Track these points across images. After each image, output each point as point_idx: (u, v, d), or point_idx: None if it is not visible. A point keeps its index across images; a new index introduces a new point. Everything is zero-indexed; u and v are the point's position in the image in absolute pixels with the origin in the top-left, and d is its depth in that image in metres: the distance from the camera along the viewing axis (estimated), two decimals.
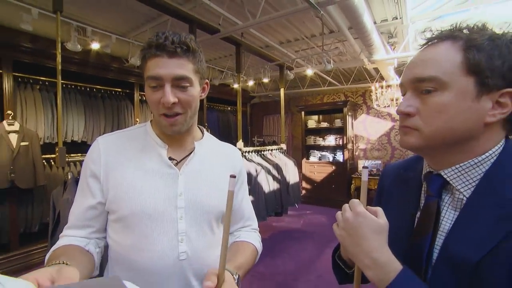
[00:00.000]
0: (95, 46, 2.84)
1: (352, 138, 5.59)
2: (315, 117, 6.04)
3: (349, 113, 5.37)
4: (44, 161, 3.14)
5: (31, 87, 3.25)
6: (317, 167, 5.61)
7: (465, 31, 0.49)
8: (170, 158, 0.74)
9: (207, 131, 0.88)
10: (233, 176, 0.54)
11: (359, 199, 0.53)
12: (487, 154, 0.49)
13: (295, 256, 3.26)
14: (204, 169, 0.76)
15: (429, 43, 0.52)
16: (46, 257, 0.65)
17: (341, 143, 5.39)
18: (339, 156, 5.46)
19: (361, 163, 5.36)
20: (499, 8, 2.91)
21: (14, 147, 2.82)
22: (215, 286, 0.55)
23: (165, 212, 0.69)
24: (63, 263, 0.51)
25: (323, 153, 5.72)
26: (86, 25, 2.76)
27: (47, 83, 3.36)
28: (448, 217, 0.51)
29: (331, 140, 5.56)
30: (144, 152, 0.73)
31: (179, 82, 0.66)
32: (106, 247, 0.76)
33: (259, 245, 0.86)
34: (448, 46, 0.49)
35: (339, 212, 0.55)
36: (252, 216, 0.91)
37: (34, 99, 3.24)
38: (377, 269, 0.47)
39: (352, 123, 5.57)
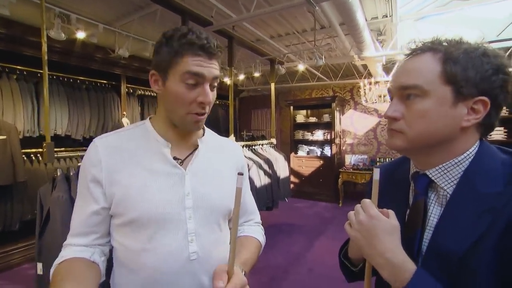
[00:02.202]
0: (80, 35, 2.68)
1: (340, 133, 5.70)
2: (304, 111, 6.08)
3: (337, 109, 5.46)
4: (24, 156, 2.98)
5: (7, 77, 3.06)
6: (305, 161, 5.69)
7: (444, 44, 0.54)
8: (175, 158, 0.72)
9: None
10: (241, 174, 0.55)
11: (370, 199, 0.55)
12: (465, 154, 0.54)
13: (286, 249, 3.31)
14: (209, 167, 0.75)
15: (413, 53, 0.57)
16: (52, 271, 0.62)
17: (329, 137, 5.48)
18: (327, 151, 5.56)
19: (348, 158, 5.48)
20: (479, 10, 3.04)
21: None
22: (226, 282, 0.56)
23: (173, 213, 0.67)
24: None
25: (311, 147, 5.80)
26: (70, 12, 2.60)
27: (25, 72, 3.18)
28: (435, 213, 0.55)
29: (319, 134, 5.63)
30: (147, 152, 0.70)
31: (214, 82, 0.69)
32: (110, 250, 0.74)
33: (262, 239, 0.88)
34: (429, 57, 0.53)
35: (351, 212, 0.57)
36: (254, 210, 0.92)
37: (11, 90, 3.05)
38: (392, 269, 0.49)
39: (340, 118, 5.66)
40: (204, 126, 0.84)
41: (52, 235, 1.47)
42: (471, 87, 0.50)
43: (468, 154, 0.54)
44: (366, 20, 3.27)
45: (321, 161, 5.51)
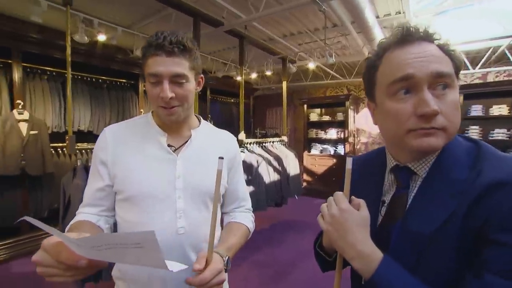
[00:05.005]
0: (101, 38, 2.89)
1: (354, 132, 5.64)
2: (318, 110, 6.08)
3: (351, 107, 5.41)
4: (52, 149, 3.25)
5: (39, 77, 3.33)
6: (318, 159, 5.68)
7: (436, 35, 0.52)
8: (169, 145, 0.82)
9: (211, 122, 0.94)
10: (221, 158, 0.61)
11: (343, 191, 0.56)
12: None
13: (295, 245, 3.36)
14: (200, 153, 0.84)
15: (412, 41, 0.52)
16: (66, 229, 0.74)
17: (342, 136, 5.45)
18: (341, 149, 5.52)
19: (354, 157, 5.42)
20: (501, 2, 2.91)
21: (24, 135, 2.93)
22: (203, 267, 0.63)
23: (165, 192, 0.77)
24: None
25: (325, 146, 5.78)
26: (93, 17, 2.81)
27: (54, 73, 3.44)
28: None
29: (332, 133, 5.61)
30: (146, 140, 0.81)
31: (176, 79, 0.73)
32: (115, 224, 0.85)
33: (251, 225, 0.95)
34: (433, 46, 0.51)
35: (324, 205, 0.58)
36: (246, 197, 0.99)
37: (42, 89, 3.33)
38: (362, 259, 0.50)
39: (354, 116, 5.61)
40: (201, 118, 0.94)
41: (72, 218, 1.64)
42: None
43: None
44: (378, 17, 3.25)
45: (334, 160, 5.48)
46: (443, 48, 0.51)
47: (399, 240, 0.53)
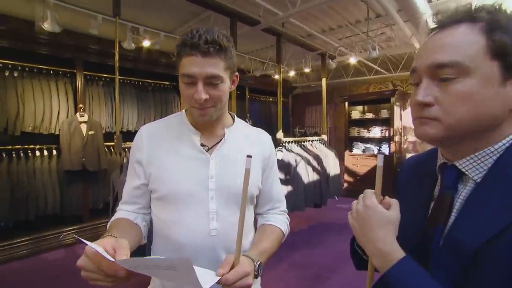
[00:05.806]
0: (146, 43, 3.11)
1: (400, 130, 5.21)
2: (360, 107, 5.75)
3: (397, 103, 5.00)
4: (105, 148, 3.60)
5: (96, 83, 3.71)
6: (361, 159, 5.38)
7: (483, 13, 0.46)
8: (203, 145, 0.80)
9: (249, 122, 0.91)
10: (249, 156, 0.59)
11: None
12: (504, 141, 0.47)
13: (333, 248, 3.23)
14: (233, 153, 0.81)
15: (443, 26, 0.49)
16: (108, 225, 0.79)
17: (387, 135, 5.07)
18: (385, 149, 5.15)
19: (409, 157, 5.00)
20: None
21: (84, 135, 3.30)
22: (229, 270, 0.59)
23: (197, 193, 0.76)
24: (113, 236, 0.62)
25: (368, 145, 5.45)
26: (139, 25, 3.03)
27: (108, 79, 3.80)
28: (458, 208, 0.50)
29: (376, 131, 5.26)
30: (180, 139, 0.81)
31: (211, 80, 0.70)
32: (151, 221, 0.87)
33: (285, 228, 0.90)
34: (467, 29, 0.46)
35: (354, 201, 0.57)
36: (281, 199, 0.95)
37: (98, 94, 3.70)
38: (381, 257, 0.49)
39: (400, 113, 5.18)
40: (235, 116, 0.91)
41: None
42: None
43: (508, 141, 0.47)
44: (430, 1, 2.94)
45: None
46: (486, 28, 0.45)
47: (440, 248, 0.49)
